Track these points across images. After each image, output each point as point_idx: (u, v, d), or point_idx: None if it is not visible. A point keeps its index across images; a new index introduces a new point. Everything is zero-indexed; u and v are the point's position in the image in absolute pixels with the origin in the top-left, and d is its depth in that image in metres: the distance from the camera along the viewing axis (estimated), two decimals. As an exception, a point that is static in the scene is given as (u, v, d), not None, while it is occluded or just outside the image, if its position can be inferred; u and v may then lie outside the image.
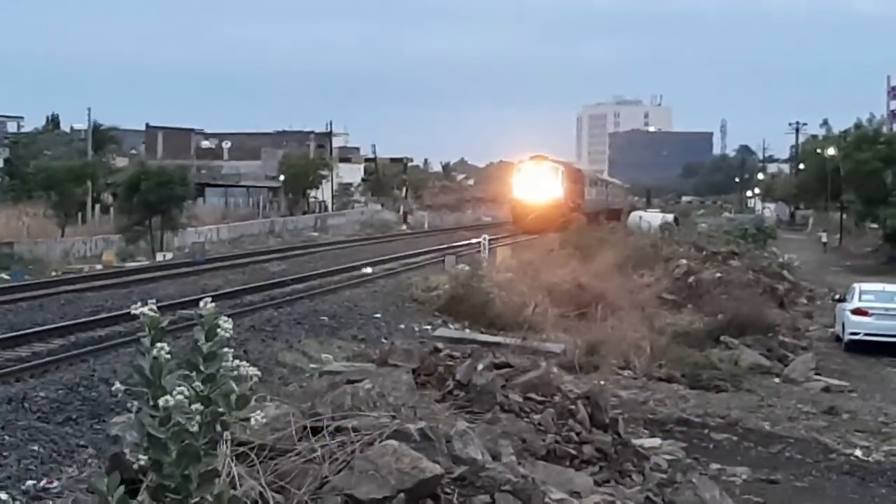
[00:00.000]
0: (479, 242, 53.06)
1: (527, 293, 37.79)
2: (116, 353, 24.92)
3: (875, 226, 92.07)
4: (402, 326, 33.74)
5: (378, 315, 35.31)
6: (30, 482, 15.71)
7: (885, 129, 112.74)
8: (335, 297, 38.61)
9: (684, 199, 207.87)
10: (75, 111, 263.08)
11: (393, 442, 11.27)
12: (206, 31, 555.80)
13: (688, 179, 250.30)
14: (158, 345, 8.65)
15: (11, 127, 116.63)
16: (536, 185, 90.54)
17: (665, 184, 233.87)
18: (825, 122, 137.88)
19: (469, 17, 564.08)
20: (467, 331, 32.89)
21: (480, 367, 16.25)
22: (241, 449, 10.21)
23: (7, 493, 15.05)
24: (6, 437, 17.92)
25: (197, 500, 8.81)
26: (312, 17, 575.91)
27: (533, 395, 15.42)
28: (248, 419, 9.24)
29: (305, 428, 11.92)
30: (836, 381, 34.02)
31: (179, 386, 8.56)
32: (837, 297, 46.96)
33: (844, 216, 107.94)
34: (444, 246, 63.17)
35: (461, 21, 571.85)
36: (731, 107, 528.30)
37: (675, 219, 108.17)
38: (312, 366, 24.29)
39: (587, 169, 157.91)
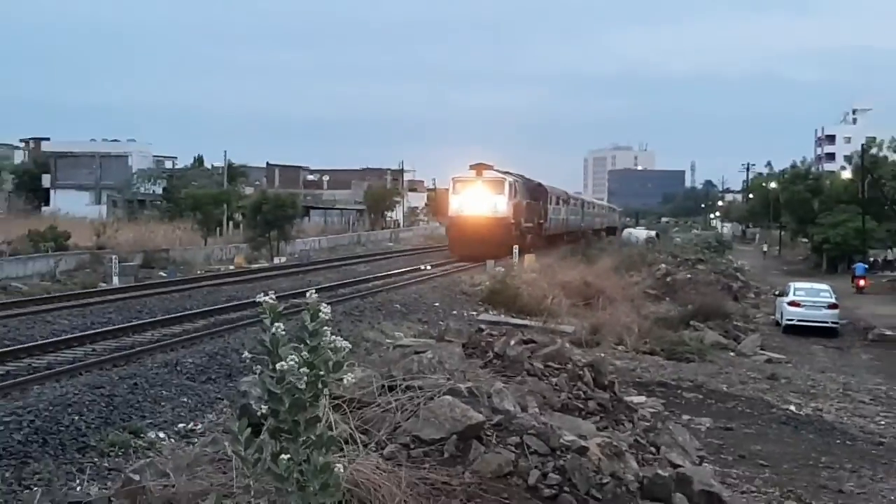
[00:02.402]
0: (512, 251, 52.04)
1: (546, 288, 37.72)
2: (245, 331, 25.04)
3: (805, 240, 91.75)
4: (455, 312, 33.73)
5: (437, 304, 35.30)
6: (181, 425, 15.78)
7: (813, 169, 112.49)
8: (405, 290, 38.59)
9: (663, 219, 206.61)
10: (215, 152, 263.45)
11: (448, 397, 11.24)
12: (312, 89, 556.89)
13: (666, 205, 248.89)
14: (276, 324, 8.67)
15: (168, 164, 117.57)
16: (477, 201, 56.83)
17: (649, 208, 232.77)
18: (769, 163, 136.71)
19: (503, 80, 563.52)
20: (503, 316, 32.81)
21: (512, 342, 16.20)
22: (336, 401, 10.21)
23: (165, 432, 15.11)
24: (164, 392, 18.01)
25: (304, 438, 8.82)
26: (392, 78, 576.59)
27: (551, 364, 15.36)
28: (341, 379, 9.23)
29: (383, 386, 11.91)
30: (776, 355, 33.89)
31: (291, 355, 8.58)
32: (777, 292, 47.12)
33: (782, 233, 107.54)
34: (486, 254, 62.80)
35: (496, 83, 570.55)
36: (698, 151, 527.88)
37: (657, 234, 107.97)
38: (388, 341, 24.21)
39: (589, 197, 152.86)
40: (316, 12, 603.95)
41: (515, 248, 51.07)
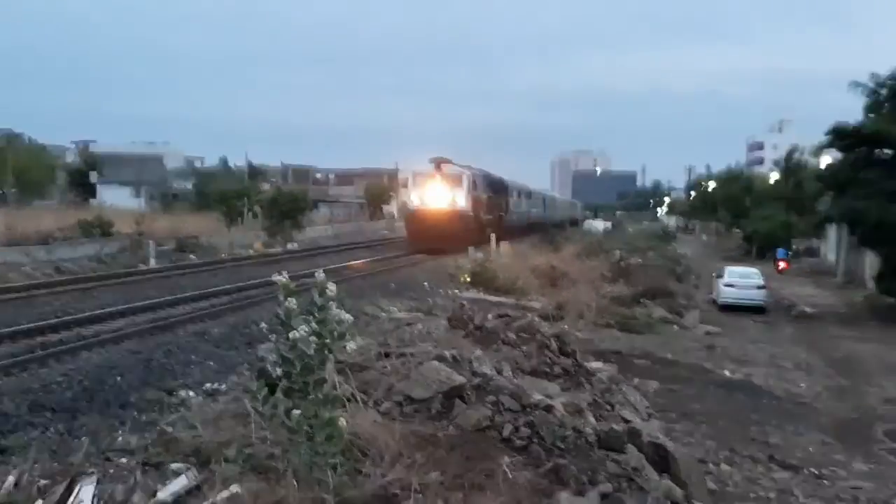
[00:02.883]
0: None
1: (518, 271, 37.69)
2: (262, 305, 24.95)
3: (738, 231, 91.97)
4: (441, 291, 33.62)
5: (426, 284, 35.23)
6: (207, 385, 15.74)
7: (745, 171, 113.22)
8: (399, 272, 38.51)
9: (618, 213, 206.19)
10: (237, 154, 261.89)
11: (435, 362, 11.25)
12: (321, 101, 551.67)
13: (620, 201, 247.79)
14: (289, 300, 8.66)
15: (197, 164, 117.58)
16: (435, 195, 50.01)
17: (606, 204, 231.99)
18: (708, 166, 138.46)
19: (482, 95, 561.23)
20: (482, 294, 32.78)
21: (490, 316, 16.22)
22: (340, 365, 10.20)
23: (194, 391, 15.08)
24: (193, 357, 17.96)
25: (313, 397, 8.80)
26: (390, 93, 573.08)
27: (522, 334, 15.38)
28: (344, 347, 9.22)
29: (380, 353, 11.91)
30: (713, 328, 34.02)
31: (302, 325, 8.57)
32: (715, 275, 47.15)
33: (719, 225, 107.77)
34: (468, 241, 62.25)
35: (477, 97, 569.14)
36: (648, 155, 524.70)
37: (613, 226, 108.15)
38: (384, 314, 24.24)
39: (552, 192, 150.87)
40: (330, 32, 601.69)
41: (493, 237, 50.15)
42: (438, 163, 50.60)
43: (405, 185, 51.83)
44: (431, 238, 48.07)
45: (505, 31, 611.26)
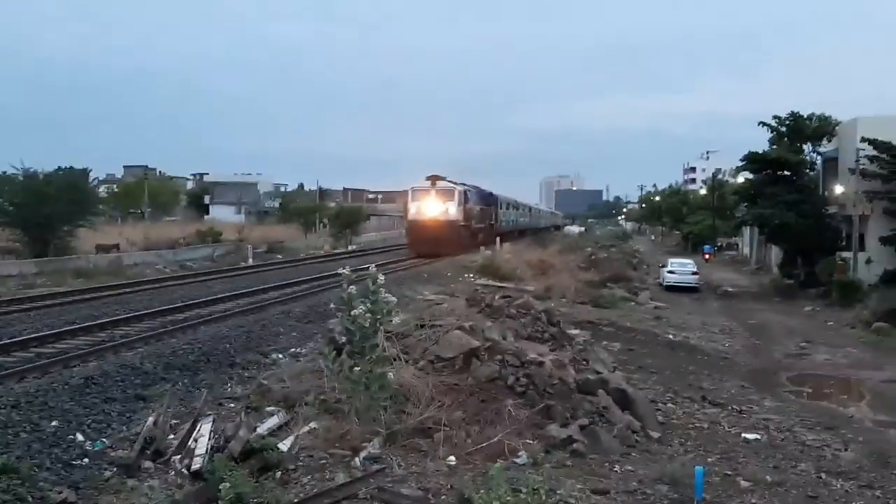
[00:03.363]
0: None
1: (516, 264, 37.53)
2: (331, 291, 24.94)
3: (678, 232, 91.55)
4: (460, 279, 33.54)
5: (449, 273, 35.13)
6: (292, 349, 15.78)
7: (681, 189, 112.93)
8: (429, 266, 38.36)
9: (589, 220, 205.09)
10: (311, 180, 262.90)
11: (457, 331, 11.24)
12: (371, 138, 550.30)
13: (591, 211, 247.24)
14: (351, 287, 8.67)
15: (282, 188, 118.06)
16: (431, 207, 43.41)
17: (580, 213, 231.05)
18: (654, 185, 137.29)
19: (489, 133, 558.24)
20: (490, 281, 32.65)
21: (497, 297, 16.18)
22: (388, 334, 10.21)
23: (282, 354, 15.13)
24: (281, 329, 18.01)
25: (368, 357, 8.81)
26: (420, 133, 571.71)
27: (521, 310, 15.33)
28: (391, 320, 9.21)
29: (417, 324, 11.90)
30: (660, 304, 33.82)
31: (360, 305, 8.57)
32: (661, 265, 46.97)
33: (664, 228, 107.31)
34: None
35: (485, 135, 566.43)
36: (611, 177, 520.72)
37: (585, 230, 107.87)
38: (419, 297, 24.20)
39: (539, 204, 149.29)
40: (376, 88, 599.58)
41: (498, 240, 49.04)
42: (433, 179, 44.45)
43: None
44: (428, 244, 42.27)
45: (504, 83, 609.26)
